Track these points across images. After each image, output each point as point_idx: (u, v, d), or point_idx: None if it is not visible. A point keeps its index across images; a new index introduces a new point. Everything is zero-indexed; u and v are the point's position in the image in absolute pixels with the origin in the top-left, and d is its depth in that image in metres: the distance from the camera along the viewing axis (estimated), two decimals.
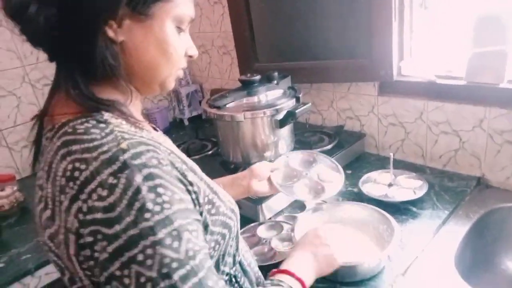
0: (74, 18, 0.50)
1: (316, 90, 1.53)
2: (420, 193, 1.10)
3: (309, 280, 0.71)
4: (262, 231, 1.04)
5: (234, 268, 0.66)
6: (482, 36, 1.06)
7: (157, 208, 0.45)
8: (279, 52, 1.52)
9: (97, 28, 0.50)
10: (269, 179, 0.98)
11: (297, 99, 1.15)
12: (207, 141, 1.64)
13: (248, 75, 1.18)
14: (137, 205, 0.45)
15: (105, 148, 0.47)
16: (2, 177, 1.51)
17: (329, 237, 0.80)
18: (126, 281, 0.45)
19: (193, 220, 0.50)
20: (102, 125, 0.50)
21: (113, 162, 0.46)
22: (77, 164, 0.47)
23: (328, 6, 1.27)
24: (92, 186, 0.45)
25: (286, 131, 1.18)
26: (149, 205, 0.45)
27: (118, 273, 0.45)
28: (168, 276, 0.45)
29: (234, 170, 1.31)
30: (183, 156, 0.59)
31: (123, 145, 0.47)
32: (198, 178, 0.57)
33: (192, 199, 0.53)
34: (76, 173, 0.46)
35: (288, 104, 1.12)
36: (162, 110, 2.06)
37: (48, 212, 0.51)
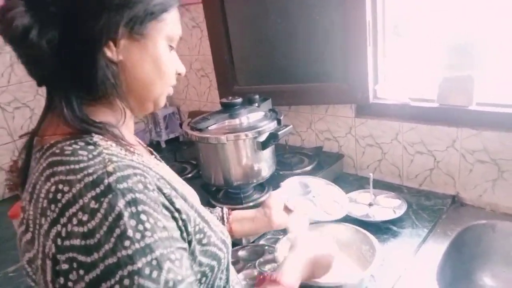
0: (75, 40, 0.50)
1: (294, 112, 1.55)
2: (399, 212, 1.12)
3: None
4: (244, 256, 1.03)
5: None
6: (451, 62, 1.13)
7: (138, 235, 0.44)
8: (258, 75, 1.54)
9: (97, 49, 0.50)
10: (285, 208, 0.95)
11: (279, 121, 1.17)
12: (186, 163, 1.62)
13: (230, 97, 1.19)
14: (117, 231, 0.43)
15: (90, 170, 0.46)
16: None
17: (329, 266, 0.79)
18: None
19: (176, 249, 0.48)
20: (90, 147, 0.49)
21: (97, 185, 0.45)
22: (60, 186, 0.46)
23: (307, 32, 1.32)
24: (73, 209, 0.44)
25: (268, 153, 1.19)
26: (130, 232, 0.44)
27: None
28: None
29: (216, 193, 1.30)
30: (176, 181, 0.58)
31: (109, 168, 0.46)
32: (189, 206, 0.55)
33: (179, 226, 0.51)
34: (59, 195, 0.45)
35: (269, 126, 1.13)
36: (139, 133, 2.03)
37: (28, 235, 0.49)
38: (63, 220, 0.44)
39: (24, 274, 0.53)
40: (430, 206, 1.19)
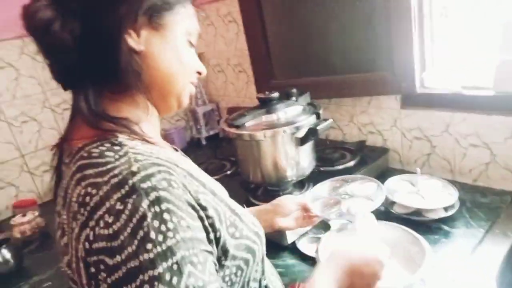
0: (97, 29, 0.51)
1: (335, 105, 1.49)
2: (451, 211, 1.04)
3: None
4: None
5: None
6: (508, 42, 1.01)
7: (160, 237, 0.43)
8: (296, 68, 1.50)
9: (119, 37, 0.51)
10: (305, 211, 0.97)
11: (318, 115, 1.12)
12: (226, 160, 1.62)
13: (266, 92, 1.16)
14: (140, 233, 0.43)
15: (116, 171, 0.46)
16: (24, 202, 1.52)
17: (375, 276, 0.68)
18: None
19: (200, 251, 0.47)
20: (116, 147, 0.49)
21: (122, 186, 0.45)
22: (89, 189, 0.46)
23: (346, 20, 1.25)
24: (100, 212, 0.44)
25: (307, 149, 1.15)
26: (152, 235, 0.43)
27: None
28: None
29: (255, 190, 1.28)
30: (203, 177, 0.57)
31: (134, 168, 0.46)
32: (218, 200, 0.54)
33: (205, 226, 0.50)
34: (87, 199, 0.46)
35: (308, 120, 1.09)
36: (180, 130, 2.07)
37: (65, 239, 0.50)
38: (92, 223, 0.45)
39: (66, 275, 0.54)
40: (486, 203, 1.09)
